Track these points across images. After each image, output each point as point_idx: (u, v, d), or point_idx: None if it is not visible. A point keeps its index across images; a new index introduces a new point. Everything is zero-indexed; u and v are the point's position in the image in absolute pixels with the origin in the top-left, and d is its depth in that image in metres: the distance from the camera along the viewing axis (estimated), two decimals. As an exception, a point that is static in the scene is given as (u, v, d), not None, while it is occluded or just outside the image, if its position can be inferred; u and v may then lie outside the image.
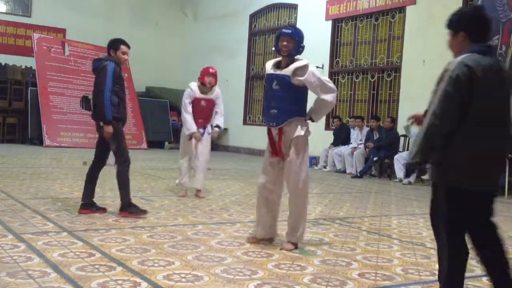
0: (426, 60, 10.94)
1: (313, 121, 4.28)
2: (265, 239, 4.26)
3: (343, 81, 13.18)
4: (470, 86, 2.50)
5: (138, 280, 3.12)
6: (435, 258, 4.05)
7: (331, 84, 4.25)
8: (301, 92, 4.14)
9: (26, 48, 15.86)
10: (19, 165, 9.40)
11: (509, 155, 2.58)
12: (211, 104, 6.53)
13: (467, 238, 2.74)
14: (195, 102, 6.43)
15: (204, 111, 6.51)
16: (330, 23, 13.31)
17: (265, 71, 4.34)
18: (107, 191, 6.63)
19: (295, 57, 4.17)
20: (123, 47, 5.25)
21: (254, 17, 16.07)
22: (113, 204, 5.71)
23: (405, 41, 11.51)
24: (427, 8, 10.98)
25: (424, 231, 5.17)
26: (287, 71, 4.09)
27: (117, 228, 4.52)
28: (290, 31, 4.16)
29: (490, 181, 2.68)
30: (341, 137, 11.86)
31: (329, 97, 4.18)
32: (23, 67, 15.72)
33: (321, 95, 4.17)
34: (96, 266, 3.34)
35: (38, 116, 14.27)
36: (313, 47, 13.69)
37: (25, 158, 10.64)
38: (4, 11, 16.10)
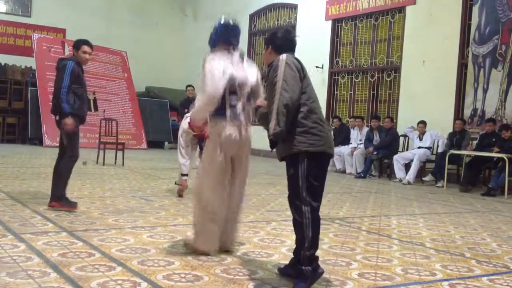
0: (425, 60, 10.95)
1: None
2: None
3: (343, 81, 13.18)
4: (300, 72, 3.15)
5: (138, 280, 3.12)
6: (435, 258, 4.05)
7: (208, 82, 3.63)
8: None
9: (26, 48, 15.87)
10: (19, 165, 9.40)
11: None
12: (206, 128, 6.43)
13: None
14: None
15: (203, 135, 6.47)
16: (330, 23, 13.32)
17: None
18: (107, 191, 6.64)
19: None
20: (84, 47, 5.45)
21: (254, 17, 16.08)
22: (112, 204, 5.71)
23: (404, 41, 11.52)
24: (427, 8, 10.99)
25: (424, 231, 5.17)
26: None
27: (116, 228, 4.52)
28: None
29: (329, 143, 3.23)
30: (341, 137, 11.86)
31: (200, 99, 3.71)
32: (23, 67, 15.73)
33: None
34: (96, 266, 3.34)
35: (38, 116, 14.28)
36: (313, 47, 13.70)
37: (25, 158, 10.64)
38: (4, 11, 16.11)
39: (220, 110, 3.71)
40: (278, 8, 15.28)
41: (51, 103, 5.39)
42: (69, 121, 5.14)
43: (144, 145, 15.53)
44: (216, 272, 3.37)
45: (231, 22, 3.87)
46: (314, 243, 3.17)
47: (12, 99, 15.25)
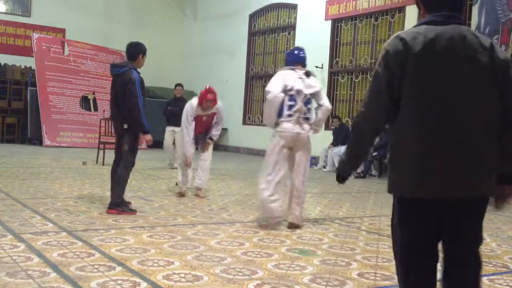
0: (425, 60, 10.93)
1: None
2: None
3: (342, 81, 13.18)
4: (402, 63, 2.03)
5: (137, 280, 3.12)
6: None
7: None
8: None
9: (25, 48, 15.85)
10: (19, 165, 9.40)
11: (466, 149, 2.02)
12: (213, 116, 6.56)
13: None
14: (196, 118, 6.45)
15: (205, 124, 6.57)
16: (329, 23, 13.31)
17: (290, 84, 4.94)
18: (106, 191, 6.63)
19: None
20: (145, 54, 5.53)
21: (253, 17, 16.07)
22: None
23: (404, 41, 11.50)
24: (427, 8, 10.97)
25: (423, 231, 5.17)
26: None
27: (116, 228, 4.52)
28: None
29: (434, 187, 2.04)
30: (341, 137, 11.86)
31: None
32: (23, 67, 15.71)
33: None
34: (96, 266, 3.34)
35: (37, 116, 14.26)
36: (312, 47, 13.68)
37: (24, 158, 10.64)
38: (3, 11, 16.09)
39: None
40: (277, 8, 15.27)
41: (116, 112, 5.38)
42: (149, 137, 5.35)
43: (144, 145, 15.52)
44: (216, 272, 3.37)
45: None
46: None
47: (11, 99, 15.23)
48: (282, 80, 4.97)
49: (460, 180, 2.03)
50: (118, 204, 5.23)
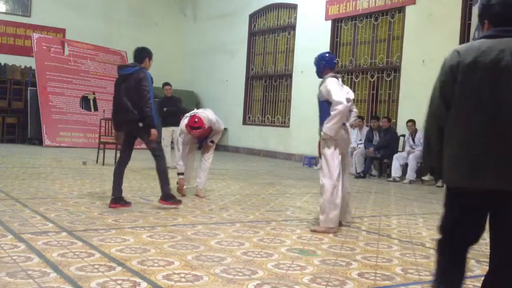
0: (425, 60, 10.93)
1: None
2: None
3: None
4: (454, 72, 2.30)
5: (137, 280, 3.12)
6: (434, 258, 4.05)
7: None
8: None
9: (25, 48, 15.86)
10: (19, 165, 9.40)
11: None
12: (209, 130, 6.57)
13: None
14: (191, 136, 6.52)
15: (202, 136, 6.59)
16: (329, 23, 13.32)
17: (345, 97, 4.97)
18: (106, 191, 6.63)
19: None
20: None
21: (253, 17, 16.08)
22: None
23: (404, 41, 11.51)
24: (427, 8, 10.99)
25: (423, 231, 5.17)
26: None
27: (116, 228, 4.52)
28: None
29: (473, 178, 2.29)
30: (341, 137, 11.86)
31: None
32: (23, 67, 15.73)
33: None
34: (96, 266, 3.34)
35: (37, 116, 14.27)
36: (312, 47, 13.70)
37: (24, 158, 10.64)
38: (3, 11, 16.10)
39: None
40: (277, 8, 15.28)
41: (129, 111, 5.52)
42: (154, 131, 5.64)
43: (144, 145, 15.52)
44: (216, 272, 3.37)
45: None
46: None
47: (12, 99, 15.25)
48: (340, 89, 5.03)
49: (502, 176, 2.24)
50: (170, 196, 5.61)
